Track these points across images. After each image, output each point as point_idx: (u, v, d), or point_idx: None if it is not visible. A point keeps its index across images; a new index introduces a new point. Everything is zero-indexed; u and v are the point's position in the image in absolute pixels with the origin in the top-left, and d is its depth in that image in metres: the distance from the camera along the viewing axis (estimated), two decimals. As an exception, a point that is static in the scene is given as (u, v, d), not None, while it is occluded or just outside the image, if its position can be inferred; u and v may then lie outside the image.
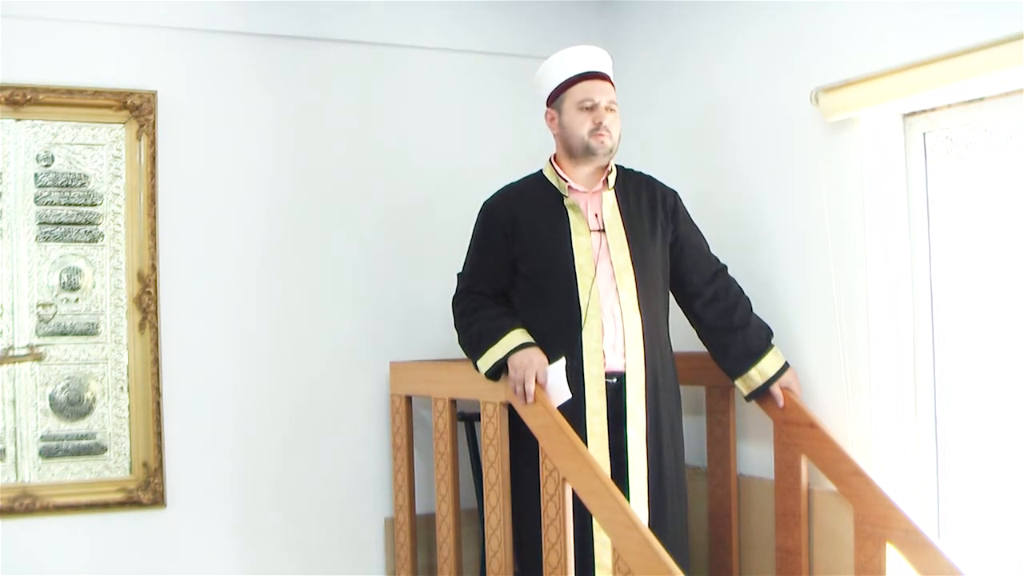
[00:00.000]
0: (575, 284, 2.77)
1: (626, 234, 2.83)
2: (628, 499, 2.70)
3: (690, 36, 3.47)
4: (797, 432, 2.92)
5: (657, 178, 3.02)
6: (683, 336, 3.05)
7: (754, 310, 2.98)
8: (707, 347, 2.99)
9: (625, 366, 2.76)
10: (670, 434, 2.84)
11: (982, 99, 2.66)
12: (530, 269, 2.85)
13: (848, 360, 2.89)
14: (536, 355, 2.70)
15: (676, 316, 2.99)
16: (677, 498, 2.86)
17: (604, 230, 2.83)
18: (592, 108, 2.81)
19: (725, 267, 3.02)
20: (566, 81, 2.85)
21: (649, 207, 2.91)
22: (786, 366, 2.92)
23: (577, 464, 2.53)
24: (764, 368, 2.89)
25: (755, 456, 3.19)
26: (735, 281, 3.00)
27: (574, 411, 2.71)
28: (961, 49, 2.46)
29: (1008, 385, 2.66)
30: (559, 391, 2.70)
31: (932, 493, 2.84)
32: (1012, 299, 2.64)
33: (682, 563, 2.79)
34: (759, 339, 2.92)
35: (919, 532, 2.55)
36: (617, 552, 2.40)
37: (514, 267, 2.88)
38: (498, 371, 2.76)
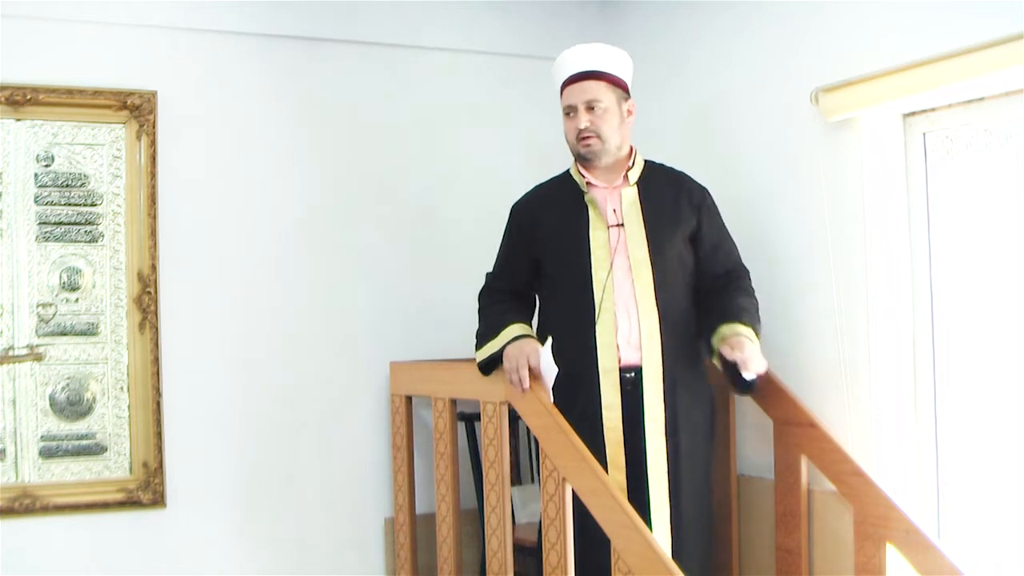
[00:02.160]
0: (590, 278, 2.77)
1: (645, 229, 2.81)
2: (648, 496, 2.67)
3: (690, 36, 3.47)
4: (797, 432, 2.92)
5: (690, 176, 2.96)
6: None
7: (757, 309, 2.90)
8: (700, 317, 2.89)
9: (641, 360, 2.74)
10: (692, 431, 2.78)
11: (982, 99, 2.66)
12: (550, 265, 2.88)
13: (848, 360, 2.89)
14: (527, 344, 2.72)
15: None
16: (701, 497, 2.81)
17: (623, 225, 2.82)
18: (573, 114, 2.82)
19: (746, 271, 2.93)
20: (559, 90, 2.88)
21: (673, 203, 2.87)
22: (745, 333, 2.73)
23: (577, 464, 2.53)
24: (726, 332, 2.75)
25: (755, 456, 3.19)
26: (750, 283, 2.91)
27: (589, 406, 2.72)
28: (961, 49, 2.46)
29: (1008, 385, 2.66)
30: (548, 371, 2.70)
31: (932, 493, 2.84)
32: (1012, 299, 2.64)
33: (704, 562, 2.78)
34: (738, 310, 2.78)
35: (919, 532, 2.55)
36: (617, 552, 2.40)
37: (537, 266, 2.90)
38: (490, 365, 2.80)
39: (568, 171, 2.95)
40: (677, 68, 3.54)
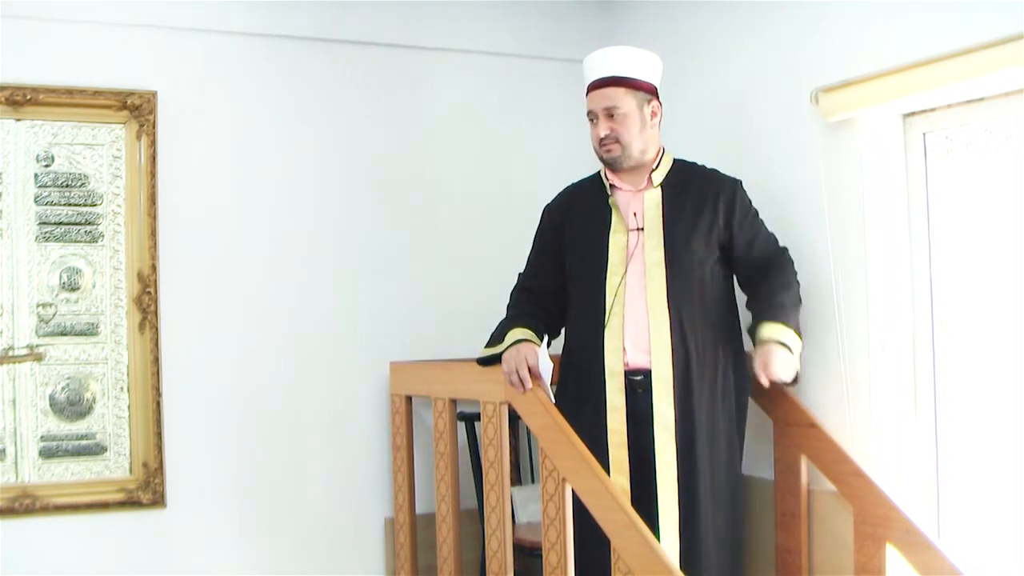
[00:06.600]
0: (603, 281, 2.78)
1: (663, 232, 2.78)
2: (656, 500, 2.65)
3: (690, 37, 3.47)
4: (797, 432, 2.92)
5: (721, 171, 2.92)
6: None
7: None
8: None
9: (650, 363, 2.72)
10: (711, 438, 2.74)
11: (982, 99, 2.66)
12: (571, 267, 2.89)
13: (848, 360, 2.89)
14: (524, 347, 2.73)
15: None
16: (722, 506, 2.75)
17: (642, 229, 2.80)
18: (595, 120, 2.82)
19: (784, 252, 2.88)
20: (585, 94, 2.87)
21: (698, 203, 2.81)
22: (775, 342, 2.72)
23: (576, 464, 2.53)
24: (764, 335, 2.74)
25: (755, 456, 3.18)
26: (791, 265, 2.86)
27: (596, 409, 2.72)
28: (961, 49, 2.46)
29: (1008, 385, 2.66)
30: (545, 369, 2.73)
31: (932, 493, 2.84)
32: (1012, 299, 2.64)
33: (734, 571, 2.75)
34: (776, 308, 2.76)
35: (919, 532, 2.55)
36: (617, 552, 2.40)
37: (563, 267, 2.92)
38: (489, 361, 2.83)
39: (599, 172, 2.94)
40: (676, 69, 3.52)
